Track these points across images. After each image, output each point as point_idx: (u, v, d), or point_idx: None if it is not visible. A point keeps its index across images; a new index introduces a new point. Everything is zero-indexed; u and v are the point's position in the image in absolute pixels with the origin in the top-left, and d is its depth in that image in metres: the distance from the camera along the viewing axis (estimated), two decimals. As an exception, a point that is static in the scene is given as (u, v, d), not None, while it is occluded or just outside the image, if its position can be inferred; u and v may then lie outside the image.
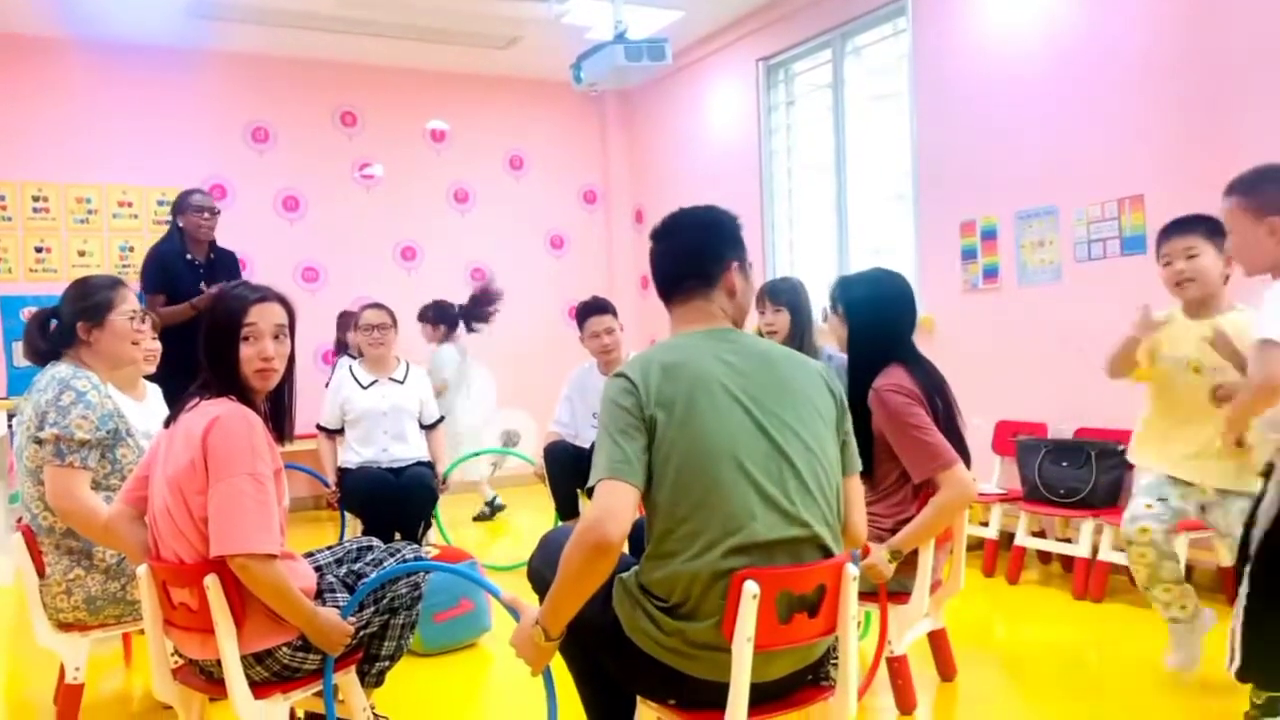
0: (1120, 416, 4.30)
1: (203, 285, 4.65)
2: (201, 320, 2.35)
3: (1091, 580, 3.98)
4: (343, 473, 4.53)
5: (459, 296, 7.45)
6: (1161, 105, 4.16)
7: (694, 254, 2.07)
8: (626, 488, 1.80)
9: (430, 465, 4.61)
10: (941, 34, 5.19)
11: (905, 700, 2.87)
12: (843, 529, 2.01)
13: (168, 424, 2.31)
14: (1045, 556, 4.60)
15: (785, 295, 3.88)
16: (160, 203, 6.55)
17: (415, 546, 2.62)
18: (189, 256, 4.78)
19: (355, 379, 4.60)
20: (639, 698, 2.03)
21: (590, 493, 1.85)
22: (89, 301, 2.93)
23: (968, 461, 2.82)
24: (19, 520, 2.89)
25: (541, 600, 1.97)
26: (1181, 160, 4.09)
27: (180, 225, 4.75)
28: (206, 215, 4.75)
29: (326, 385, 4.80)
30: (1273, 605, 2.31)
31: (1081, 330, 4.49)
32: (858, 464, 2.09)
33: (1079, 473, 4.16)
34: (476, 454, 6.25)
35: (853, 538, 2.07)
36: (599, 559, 1.77)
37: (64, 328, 2.93)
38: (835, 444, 2.01)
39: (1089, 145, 4.46)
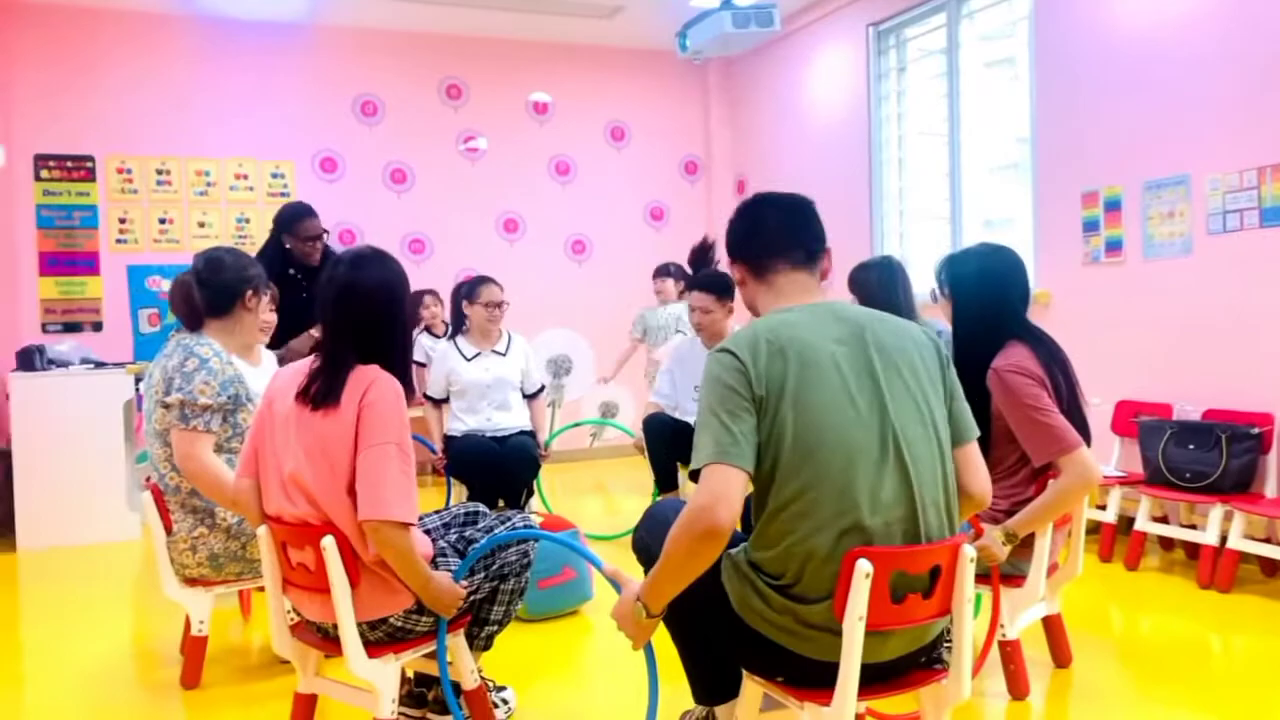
0: (1255, 398, 4.06)
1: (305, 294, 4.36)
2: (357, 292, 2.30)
3: (1219, 569, 3.78)
4: (449, 440, 4.62)
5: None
6: (1310, 65, 3.87)
7: (805, 227, 2.06)
8: (736, 472, 1.75)
9: (532, 434, 4.68)
10: (1065, -7, 4.94)
11: (1018, 686, 2.79)
12: (963, 495, 1.94)
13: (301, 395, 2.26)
14: (1167, 543, 4.39)
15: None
16: (275, 175, 6.76)
17: (525, 515, 2.65)
18: (290, 271, 4.45)
19: (460, 351, 4.67)
20: (745, 672, 2.01)
21: (692, 471, 1.82)
22: (259, 270, 3.13)
23: (1089, 443, 2.70)
24: (147, 479, 3.03)
25: (646, 572, 1.96)
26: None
27: (286, 244, 4.44)
28: (310, 245, 4.38)
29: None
30: None
31: (1214, 307, 4.24)
32: (974, 430, 1.99)
33: (1208, 456, 3.95)
34: (577, 424, 6.31)
35: (977, 501, 1.97)
36: (708, 545, 1.74)
37: (227, 286, 3.04)
38: (945, 413, 1.93)
39: (1226, 109, 4.18)
